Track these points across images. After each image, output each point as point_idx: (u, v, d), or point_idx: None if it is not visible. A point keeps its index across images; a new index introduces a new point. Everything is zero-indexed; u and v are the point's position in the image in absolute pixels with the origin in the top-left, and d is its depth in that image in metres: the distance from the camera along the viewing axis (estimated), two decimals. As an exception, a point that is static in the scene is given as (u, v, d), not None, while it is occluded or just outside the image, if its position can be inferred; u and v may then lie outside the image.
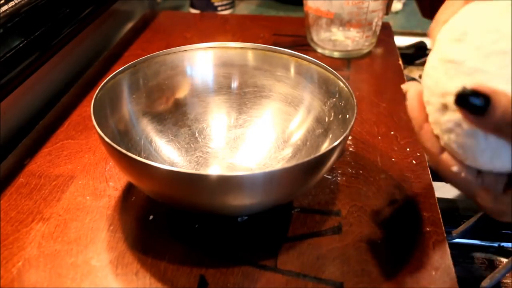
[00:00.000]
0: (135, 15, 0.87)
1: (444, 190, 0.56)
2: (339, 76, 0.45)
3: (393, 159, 0.50)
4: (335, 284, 0.37)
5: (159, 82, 0.49)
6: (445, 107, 0.30)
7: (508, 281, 0.46)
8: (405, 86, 0.33)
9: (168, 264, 0.39)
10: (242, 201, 0.37)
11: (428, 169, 0.49)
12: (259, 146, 0.50)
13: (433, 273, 0.38)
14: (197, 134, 0.50)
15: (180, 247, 0.40)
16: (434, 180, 0.48)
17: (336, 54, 0.72)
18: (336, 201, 0.45)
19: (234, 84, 0.52)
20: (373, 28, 0.71)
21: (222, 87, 0.52)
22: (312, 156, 0.36)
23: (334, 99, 0.46)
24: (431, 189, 0.46)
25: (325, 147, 0.45)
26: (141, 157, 0.37)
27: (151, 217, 0.43)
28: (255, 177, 0.35)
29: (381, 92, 0.63)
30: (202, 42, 0.51)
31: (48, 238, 0.41)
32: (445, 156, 0.31)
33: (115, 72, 0.45)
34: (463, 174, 0.31)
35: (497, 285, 0.45)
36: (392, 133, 0.54)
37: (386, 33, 0.78)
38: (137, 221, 0.43)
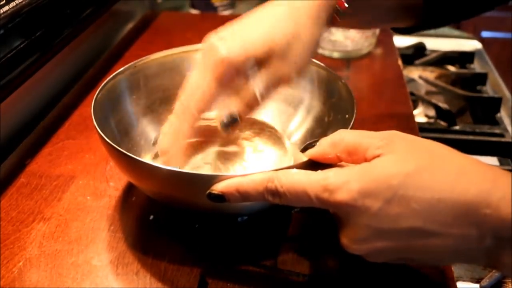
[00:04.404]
0: (135, 15, 0.87)
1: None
2: (339, 76, 0.45)
3: (393, 159, 0.50)
4: (336, 284, 0.38)
5: (159, 83, 0.49)
6: None
7: (507, 281, 0.46)
8: None
9: (168, 264, 0.39)
10: (242, 201, 0.37)
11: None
12: (259, 146, 0.50)
13: (433, 273, 0.38)
14: (197, 134, 0.50)
15: (180, 247, 0.40)
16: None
17: (335, 55, 0.72)
18: (336, 201, 0.45)
19: (234, 85, 0.52)
20: (373, 29, 0.71)
21: (222, 88, 0.52)
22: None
23: (334, 99, 0.46)
24: (430, 189, 0.46)
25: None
26: (141, 157, 0.37)
27: (151, 217, 0.43)
28: (255, 177, 0.35)
29: (380, 92, 0.63)
30: (203, 42, 0.51)
31: (49, 238, 0.41)
32: None
33: (115, 73, 0.45)
34: None
35: (496, 285, 0.45)
36: (391, 133, 0.54)
37: (385, 34, 0.78)
38: (137, 221, 0.43)
